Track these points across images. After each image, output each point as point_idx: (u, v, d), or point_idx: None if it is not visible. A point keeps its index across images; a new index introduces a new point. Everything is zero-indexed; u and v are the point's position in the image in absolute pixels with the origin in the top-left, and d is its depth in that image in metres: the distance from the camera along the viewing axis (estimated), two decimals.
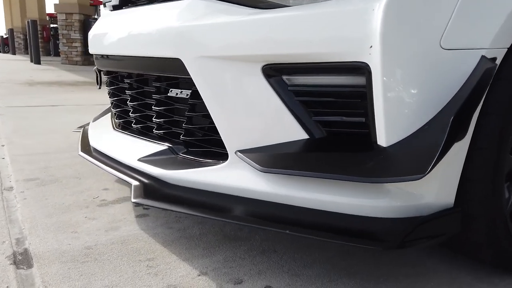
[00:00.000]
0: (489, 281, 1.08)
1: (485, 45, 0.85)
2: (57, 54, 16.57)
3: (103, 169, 1.32)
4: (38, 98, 4.31)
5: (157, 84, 1.21)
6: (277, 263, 1.14)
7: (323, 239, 0.88)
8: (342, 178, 0.84)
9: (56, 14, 11.60)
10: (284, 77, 0.97)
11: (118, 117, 1.48)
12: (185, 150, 1.20)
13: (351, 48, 0.85)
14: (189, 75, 1.05)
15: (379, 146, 0.87)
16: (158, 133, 1.27)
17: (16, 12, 19.67)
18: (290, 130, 0.98)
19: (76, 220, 1.36)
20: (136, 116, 1.36)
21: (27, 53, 14.77)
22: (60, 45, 11.43)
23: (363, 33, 0.83)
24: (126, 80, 1.34)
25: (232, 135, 1.04)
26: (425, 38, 0.82)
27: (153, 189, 1.11)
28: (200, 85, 1.04)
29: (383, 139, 0.86)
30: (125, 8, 1.37)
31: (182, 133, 1.20)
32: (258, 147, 1.01)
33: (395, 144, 0.84)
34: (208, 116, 1.11)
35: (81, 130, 1.80)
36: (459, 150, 0.88)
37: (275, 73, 0.97)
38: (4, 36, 24.02)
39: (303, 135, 0.97)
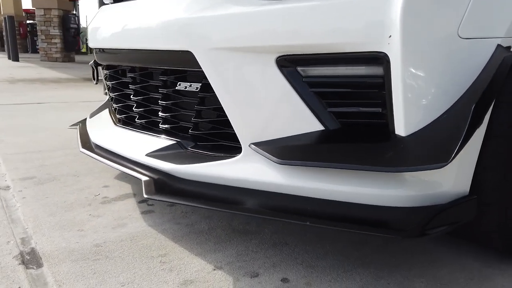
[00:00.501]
0: (497, 267, 1.10)
1: (500, 34, 0.86)
2: (34, 51, 16.13)
3: (108, 165, 1.29)
4: (22, 96, 4.19)
5: (164, 78, 1.18)
6: (290, 255, 1.14)
7: (344, 230, 0.88)
8: (365, 168, 0.84)
9: (33, 9, 11.30)
10: (299, 68, 0.97)
11: (120, 112, 1.45)
12: (194, 144, 1.18)
13: (369, 38, 0.85)
14: (200, 67, 1.04)
15: (397, 136, 0.88)
16: (165, 127, 1.25)
17: None
18: (305, 122, 0.97)
19: (81, 218, 1.33)
20: (140, 111, 1.33)
21: (3, 50, 14.35)
22: (39, 42, 11.14)
23: (381, 23, 0.83)
24: (129, 74, 1.31)
25: (245, 128, 1.03)
26: (443, 27, 0.83)
27: (164, 184, 1.09)
28: (212, 78, 1.02)
29: (401, 128, 0.86)
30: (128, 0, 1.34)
31: (190, 127, 1.19)
32: (273, 140, 1.01)
33: (414, 133, 0.85)
34: (219, 109, 1.10)
35: (78, 126, 1.76)
36: (475, 138, 0.89)
37: (289, 64, 0.96)
38: None
39: (318, 127, 0.97)
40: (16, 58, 10.65)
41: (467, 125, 0.78)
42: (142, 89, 1.30)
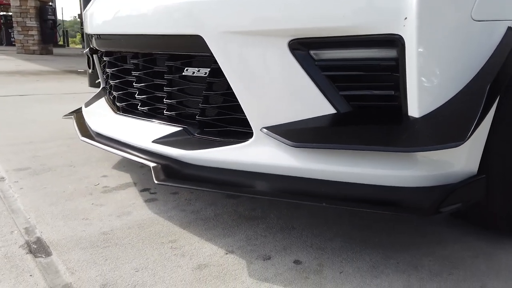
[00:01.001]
0: (499, 245, 1.14)
1: (510, 17, 0.88)
2: (10, 43, 15.63)
3: (112, 153, 1.27)
4: (2, 88, 4.07)
5: (170, 63, 1.17)
6: (299, 238, 1.15)
7: (362, 210, 0.90)
8: (382, 149, 0.86)
9: (7, 0, 10.94)
10: (312, 52, 0.97)
11: (120, 100, 1.43)
12: (201, 131, 1.18)
13: (384, 20, 0.86)
14: (209, 52, 1.03)
15: (411, 117, 0.89)
16: (170, 114, 1.24)
17: None
18: (317, 106, 0.98)
19: (83, 207, 1.31)
20: (143, 98, 1.31)
21: None
22: (15, 34, 10.81)
23: (397, 5, 0.84)
24: (132, 61, 1.28)
25: (256, 112, 1.03)
26: (457, 10, 0.85)
27: (174, 170, 1.08)
28: (223, 63, 1.02)
29: (415, 110, 0.88)
30: None
31: (197, 113, 1.18)
32: (285, 124, 1.01)
33: (428, 114, 0.87)
34: (228, 95, 1.09)
35: (73, 116, 1.72)
36: (485, 119, 0.91)
37: (302, 48, 0.96)
38: None
39: (330, 110, 0.98)
40: None
41: (482, 104, 0.80)
42: (145, 75, 1.28)
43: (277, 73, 0.98)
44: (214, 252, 1.07)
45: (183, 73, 1.15)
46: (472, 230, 1.22)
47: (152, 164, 1.12)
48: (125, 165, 1.74)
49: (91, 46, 1.58)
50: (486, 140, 0.96)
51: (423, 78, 0.86)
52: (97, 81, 2.05)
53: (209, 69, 1.09)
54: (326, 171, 0.95)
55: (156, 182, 1.05)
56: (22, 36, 10.62)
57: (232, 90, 1.05)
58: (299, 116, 1.00)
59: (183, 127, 1.20)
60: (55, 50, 11.99)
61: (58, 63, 7.94)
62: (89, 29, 1.43)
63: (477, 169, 0.96)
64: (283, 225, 1.23)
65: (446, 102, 0.87)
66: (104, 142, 1.33)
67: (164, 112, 1.25)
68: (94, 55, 1.65)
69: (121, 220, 1.23)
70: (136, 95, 1.33)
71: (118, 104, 1.44)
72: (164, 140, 1.17)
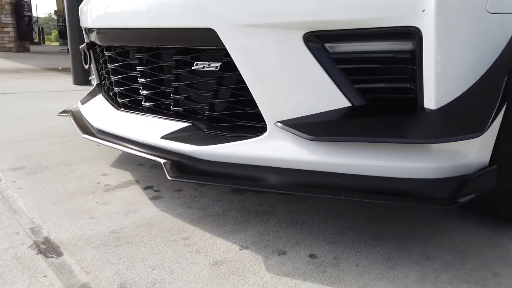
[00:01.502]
0: (504, 233, 1.17)
1: None
2: None
3: (118, 149, 1.25)
4: None
5: (179, 58, 1.15)
6: (310, 233, 1.16)
7: (380, 202, 0.90)
8: (402, 141, 0.86)
9: None
10: (326, 45, 0.97)
11: (123, 96, 1.40)
12: (210, 126, 1.16)
13: (401, 12, 0.87)
14: (221, 46, 1.02)
15: (427, 109, 0.90)
16: (177, 109, 1.22)
17: None
18: (332, 99, 0.98)
19: (88, 206, 1.28)
20: (147, 93, 1.29)
21: None
22: None
23: None
24: (137, 55, 1.26)
25: (270, 106, 1.02)
26: (473, 3, 0.86)
27: (187, 166, 1.07)
28: (236, 56, 1.01)
29: (432, 102, 0.89)
30: None
31: (206, 108, 1.17)
32: (299, 117, 1.01)
33: (445, 105, 0.88)
34: (239, 89, 1.09)
35: (69, 113, 1.68)
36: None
37: (317, 40, 0.96)
38: None
39: (345, 103, 0.98)
40: None
41: (500, 96, 0.82)
42: (151, 70, 1.25)
43: (292, 67, 0.98)
44: (228, 248, 1.06)
45: (193, 68, 1.13)
46: (473, 219, 1.24)
47: (162, 160, 1.11)
48: (123, 163, 1.71)
49: (89, 41, 1.54)
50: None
51: (440, 70, 0.87)
52: (90, 78, 2.01)
53: (220, 63, 1.08)
54: (343, 164, 0.96)
55: (169, 178, 1.03)
56: None
57: (244, 84, 1.04)
58: (313, 109, 1.00)
59: (191, 122, 1.18)
60: (31, 48, 11.66)
61: (37, 60, 7.74)
62: (89, 23, 1.40)
63: (488, 160, 0.98)
64: (293, 219, 1.23)
65: (461, 94, 0.89)
66: (108, 139, 1.30)
67: (171, 107, 1.23)
68: (90, 51, 1.61)
69: (128, 218, 1.21)
70: (140, 91, 1.30)
71: (120, 100, 1.41)
72: (173, 136, 1.15)
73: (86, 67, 1.67)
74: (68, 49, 10.62)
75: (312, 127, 0.97)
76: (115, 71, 1.39)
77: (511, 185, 1.06)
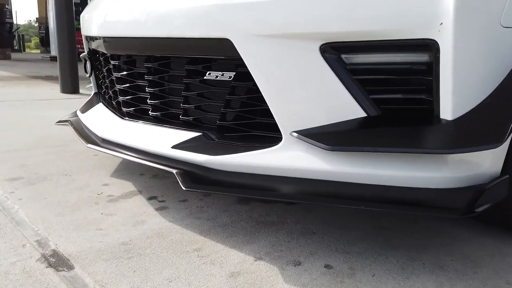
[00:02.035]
0: (511, 242, 1.19)
1: None
2: None
3: (127, 159, 1.22)
4: None
5: (191, 67, 1.14)
6: (322, 243, 1.15)
7: (399, 211, 0.91)
8: (422, 151, 0.88)
9: None
10: (343, 56, 0.98)
11: (128, 105, 1.38)
12: (221, 136, 1.16)
13: (419, 25, 0.88)
14: (237, 56, 1.02)
15: (443, 119, 0.92)
16: (187, 119, 1.21)
17: None
18: (348, 109, 0.99)
19: (93, 217, 1.25)
20: (155, 102, 1.27)
21: None
22: None
23: (433, 10, 0.86)
24: (146, 64, 1.24)
25: (286, 116, 1.02)
26: (488, 17, 0.88)
27: (201, 176, 1.06)
28: (252, 66, 1.01)
29: (449, 112, 0.91)
30: None
31: (216, 118, 1.16)
32: (314, 127, 1.01)
33: (461, 116, 0.90)
34: (253, 99, 1.08)
35: (68, 122, 1.65)
36: None
37: (334, 52, 0.97)
38: None
39: (361, 114, 0.99)
40: None
41: None
42: (160, 79, 1.24)
43: (308, 77, 0.99)
44: (242, 259, 1.05)
45: (205, 77, 1.13)
46: (479, 228, 1.26)
47: (174, 170, 1.09)
48: (123, 173, 1.68)
49: (91, 49, 1.52)
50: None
51: (456, 81, 0.89)
52: (87, 86, 1.98)
53: (234, 73, 1.08)
54: (360, 174, 0.96)
55: (184, 188, 1.02)
56: None
57: (258, 94, 1.04)
58: (329, 120, 1.00)
59: (202, 132, 1.17)
60: (12, 55, 11.43)
61: (20, 68, 7.59)
62: (92, 31, 1.38)
63: (500, 170, 1.00)
64: (303, 230, 1.23)
65: (477, 106, 0.90)
66: (114, 148, 1.28)
67: (180, 117, 1.22)
68: (91, 60, 1.58)
69: (137, 230, 1.18)
70: (148, 100, 1.29)
71: (124, 109, 1.39)
72: (184, 146, 1.13)
73: (87, 75, 1.64)
74: (50, 57, 10.40)
75: (328, 137, 0.97)
76: (120, 80, 1.37)
77: None
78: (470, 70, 0.89)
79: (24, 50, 21.28)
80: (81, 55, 1.67)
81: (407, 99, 0.97)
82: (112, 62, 1.37)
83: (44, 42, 14.31)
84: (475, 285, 0.98)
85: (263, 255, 1.08)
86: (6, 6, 11.32)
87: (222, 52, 1.05)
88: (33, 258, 1.01)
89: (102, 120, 1.47)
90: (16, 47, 18.89)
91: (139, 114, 1.35)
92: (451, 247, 1.16)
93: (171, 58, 1.21)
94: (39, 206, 1.32)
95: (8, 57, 10.75)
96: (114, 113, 1.46)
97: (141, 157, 1.20)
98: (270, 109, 1.03)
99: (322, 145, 0.95)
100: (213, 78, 1.12)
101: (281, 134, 1.04)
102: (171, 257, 1.04)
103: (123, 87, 1.36)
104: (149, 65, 1.24)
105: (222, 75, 1.10)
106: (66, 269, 0.96)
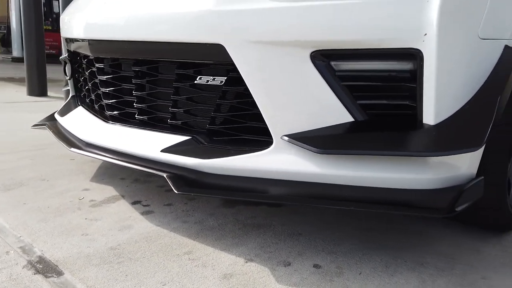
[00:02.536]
0: (484, 240, 1.26)
1: (506, 36, 1.01)
2: None
3: (114, 163, 1.21)
4: None
5: (181, 71, 1.15)
6: (309, 244, 1.18)
7: (388, 212, 0.95)
8: (405, 154, 0.92)
9: None
10: (332, 63, 1.02)
11: (112, 108, 1.36)
12: (210, 139, 1.17)
13: (405, 35, 0.93)
14: (230, 61, 1.03)
15: (426, 124, 0.97)
16: (176, 123, 1.21)
17: None
18: (336, 114, 1.02)
19: (78, 223, 1.23)
20: (143, 106, 1.27)
21: None
22: None
23: (418, 22, 0.92)
24: (134, 68, 1.24)
25: (277, 120, 1.05)
26: (468, 29, 0.95)
27: (192, 180, 1.06)
28: (245, 72, 1.03)
29: (431, 118, 0.96)
30: None
31: (205, 122, 1.17)
32: (304, 131, 1.04)
33: (443, 121, 0.95)
34: (244, 103, 1.10)
35: (46, 126, 1.60)
36: None
37: (323, 59, 1.00)
38: None
39: (348, 118, 1.03)
40: None
41: (494, 113, 0.91)
42: (148, 83, 1.24)
43: (299, 82, 1.02)
44: (233, 261, 1.06)
45: (195, 81, 1.14)
46: (455, 227, 1.33)
47: (164, 174, 1.09)
48: (103, 177, 1.65)
49: (72, 51, 1.49)
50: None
51: (439, 88, 0.94)
52: (64, 89, 1.93)
53: (225, 78, 1.09)
54: (350, 176, 1.00)
55: (176, 192, 1.02)
56: None
57: (249, 98, 1.06)
58: (318, 124, 1.04)
59: (191, 135, 1.17)
60: None
61: None
62: (77, 33, 1.35)
63: (476, 171, 1.07)
64: (289, 231, 1.26)
65: (457, 111, 0.96)
66: (99, 152, 1.26)
67: (169, 120, 1.22)
68: (70, 62, 1.55)
69: (124, 234, 1.17)
70: (134, 104, 1.28)
71: (109, 112, 1.37)
72: (174, 149, 1.14)
73: (67, 78, 1.61)
74: (12, 58, 9.99)
75: (318, 141, 1.01)
76: (105, 83, 1.36)
77: (497, 194, 1.16)
78: (451, 77, 0.95)
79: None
80: (60, 58, 1.63)
81: (393, 105, 1.02)
82: (97, 65, 1.35)
83: (5, 42, 13.74)
84: (454, 280, 1.04)
85: (253, 256, 1.09)
86: None
87: (214, 57, 1.07)
88: (19, 265, 0.98)
89: (84, 123, 1.45)
90: None
91: (124, 118, 1.34)
92: (430, 245, 1.22)
93: (160, 61, 1.21)
94: (19, 212, 1.28)
95: None
96: (97, 116, 1.44)
97: (129, 161, 1.19)
98: (262, 113, 1.05)
99: (312, 148, 0.99)
100: (204, 82, 1.13)
101: (271, 138, 1.06)
102: (162, 261, 1.04)
103: (108, 90, 1.35)
104: (138, 68, 1.24)
105: (213, 79, 1.11)
106: (55, 275, 0.94)
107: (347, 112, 1.02)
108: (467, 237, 1.28)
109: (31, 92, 4.03)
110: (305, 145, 1.00)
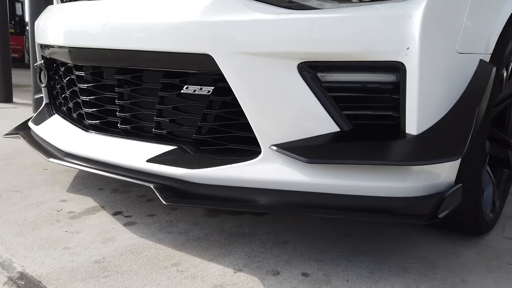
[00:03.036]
0: (462, 244, 1.31)
1: (481, 51, 1.06)
2: None
3: (97, 174, 1.18)
4: None
5: (167, 81, 1.14)
6: (295, 252, 1.20)
7: (375, 220, 0.98)
8: (389, 163, 0.95)
9: None
10: (319, 74, 1.04)
11: (92, 117, 1.33)
12: (196, 149, 1.16)
13: (388, 49, 0.97)
14: (218, 71, 1.04)
15: (409, 134, 1.01)
16: (161, 132, 1.20)
17: None
18: (322, 124, 1.05)
19: (58, 236, 1.19)
20: (126, 115, 1.25)
21: None
22: None
23: (401, 36, 0.95)
24: (117, 76, 1.21)
25: (265, 130, 1.06)
26: (447, 44, 0.99)
27: (180, 190, 1.05)
28: (233, 82, 1.03)
29: (414, 128, 1.00)
30: None
31: (191, 131, 1.16)
32: (292, 141, 1.06)
33: (425, 131, 0.99)
34: (232, 113, 1.11)
35: (20, 135, 1.54)
36: None
37: (310, 70, 1.03)
38: None
39: (334, 128, 1.05)
40: None
41: (473, 123, 0.95)
42: (132, 92, 1.22)
43: (286, 93, 1.03)
44: (222, 271, 1.06)
45: (182, 91, 1.13)
46: (432, 232, 1.38)
47: (151, 185, 1.08)
48: (81, 188, 1.61)
49: (48, 58, 1.45)
50: None
51: (421, 100, 0.98)
52: (35, 96, 1.87)
53: (213, 87, 1.10)
54: (337, 185, 1.02)
55: (165, 203, 1.01)
56: None
57: (237, 108, 1.07)
58: (305, 134, 1.06)
59: (177, 145, 1.17)
60: None
61: None
62: (55, 40, 1.31)
63: (454, 179, 1.12)
64: (275, 240, 1.27)
65: (437, 122, 1.01)
66: (80, 163, 1.23)
67: (153, 130, 1.21)
68: (47, 69, 1.51)
69: (108, 247, 1.14)
70: (117, 113, 1.26)
71: (89, 121, 1.34)
72: (160, 159, 1.12)
73: (42, 85, 1.56)
74: None
75: (306, 151, 1.03)
76: (85, 91, 1.32)
77: (473, 200, 1.21)
78: (432, 89, 0.99)
79: None
80: (35, 64, 1.57)
81: (377, 115, 1.05)
82: (77, 72, 1.32)
83: None
84: (437, 284, 1.08)
85: (241, 266, 1.09)
86: None
87: (202, 67, 1.07)
88: (0, 282, 0.94)
89: (62, 132, 1.40)
90: None
91: (105, 127, 1.32)
92: (411, 251, 1.26)
93: (145, 70, 1.19)
94: None
95: None
96: (75, 125, 1.40)
97: (113, 171, 1.17)
98: (250, 123, 1.06)
99: (301, 158, 1.00)
100: (191, 92, 1.13)
101: (259, 147, 1.07)
102: (150, 273, 1.02)
103: (88, 98, 1.31)
104: (121, 77, 1.22)
105: (201, 89, 1.11)
106: None
107: (333, 122, 1.05)
108: (446, 241, 1.32)
109: None
110: (294, 154, 1.02)
